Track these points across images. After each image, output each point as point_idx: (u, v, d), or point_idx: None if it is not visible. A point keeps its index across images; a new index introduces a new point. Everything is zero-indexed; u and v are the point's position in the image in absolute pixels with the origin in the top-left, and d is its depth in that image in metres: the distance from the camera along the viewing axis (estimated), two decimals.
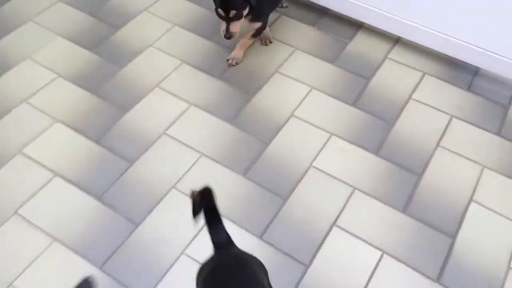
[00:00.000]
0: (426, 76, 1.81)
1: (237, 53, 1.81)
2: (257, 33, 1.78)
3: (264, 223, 1.39)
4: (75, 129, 1.59)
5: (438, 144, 1.60)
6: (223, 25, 1.58)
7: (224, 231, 0.99)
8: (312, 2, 1.97)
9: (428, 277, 1.30)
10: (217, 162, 1.53)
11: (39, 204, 1.41)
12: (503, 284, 1.30)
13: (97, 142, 1.56)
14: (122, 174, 1.48)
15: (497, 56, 1.69)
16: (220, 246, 0.99)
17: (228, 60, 1.81)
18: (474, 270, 1.32)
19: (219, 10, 1.56)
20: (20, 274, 1.28)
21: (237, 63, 1.81)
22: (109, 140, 1.57)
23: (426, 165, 1.54)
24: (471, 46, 1.72)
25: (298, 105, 1.69)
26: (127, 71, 1.77)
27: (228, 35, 1.59)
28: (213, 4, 1.57)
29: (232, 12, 1.55)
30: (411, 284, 1.29)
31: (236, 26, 1.59)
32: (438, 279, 1.30)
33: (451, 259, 1.34)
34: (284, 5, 2.03)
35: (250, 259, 1.00)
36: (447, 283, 1.29)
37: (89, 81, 1.73)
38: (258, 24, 1.74)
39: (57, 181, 1.46)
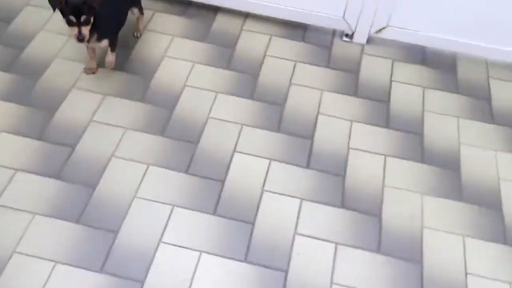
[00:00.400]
0: (273, 37, 2.47)
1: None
2: (113, 48, 2.11)
3: (186, 163, 1.95)
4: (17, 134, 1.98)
5: (291, 82, 2.28)
6: (75, 29, 1.84)
7: None
8: None
9: (299, 166, 1.98)
10: (135, 130, 2.03)
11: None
12: (347, 159, 2.02)
13: (39, 138, 1.97)
14: (69, 157, 1.93)
15: (316, 13, 2.41)
16: None
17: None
18: (328, 154, 2.02)
19: (71, 17, 1.82)
20: (17, 245, 1.69)
21: (113, 68, 2.19)
22: (48, 135, 1.99)
23: (286, 97, 2.21)
24: (299, 10, 2.42)
25: (187, 77, 2.25)
26: (43, 81, 2.17)
27: (81, 36, 1.85)
28: None
29: (83, 17, 1.82)
30: (288, 172, 1.95)
31: (87, 30, 1.86)
32: (307, 166, 1.98)
33: (313, 153, 2.02)
34: (138, 34, 2.37)
35: None
36: (314, 167, 1.98)
37: (14, 95, 2.10)
38: (105, 42, 2.03)
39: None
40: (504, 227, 1.84)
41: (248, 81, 2.26)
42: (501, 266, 1.74)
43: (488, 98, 2.28)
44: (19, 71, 2.19)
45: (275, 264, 1.70)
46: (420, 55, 2.44)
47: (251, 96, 2.20)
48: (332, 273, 1.69)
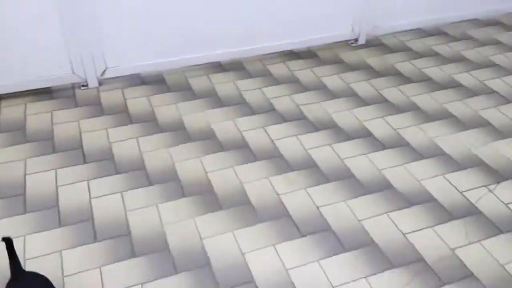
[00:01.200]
0: (28, 104, 3.19)
1: None
2: None
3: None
4: None
5: (53, 122, 3.01)
6: None
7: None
8: None
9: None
10: None
11: None
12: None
13: None
14: None
15: (54, 76, 3.24)
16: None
17: None
18: (126, 158, 2.80)
19: None
20: None
21: None
22: None
23: (53, 132, 2.92)
24: (40, 78, 3.21)
25: None
26: None
27: None
28: None
29: None
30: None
31: None
32: (116, 173, 2.72)
33: (116, 163, 2.78)
34: None
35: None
36: (121, 171, 2.72)
37: None
38: None
39: None
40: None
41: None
42: None
43: (190, 88, 3.43)
44: None
45: None
46: (139, 79, 3.49)
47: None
48: None
